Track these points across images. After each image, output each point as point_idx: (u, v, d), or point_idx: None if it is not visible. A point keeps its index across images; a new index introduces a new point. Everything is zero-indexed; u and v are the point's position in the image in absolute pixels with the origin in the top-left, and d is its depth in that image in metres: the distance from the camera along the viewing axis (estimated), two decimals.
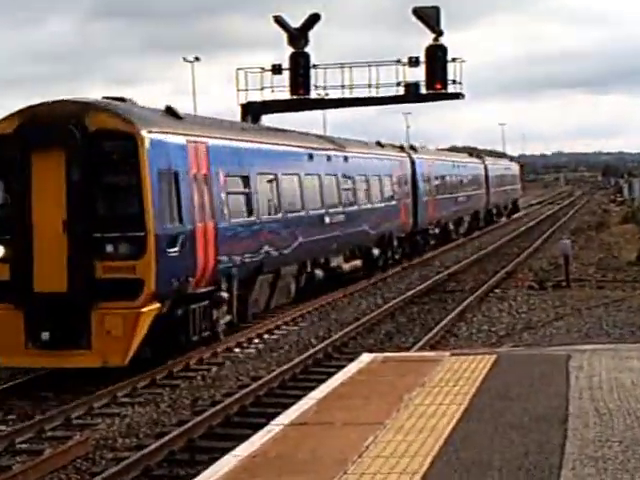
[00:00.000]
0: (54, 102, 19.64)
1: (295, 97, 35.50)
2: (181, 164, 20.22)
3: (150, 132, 19.17)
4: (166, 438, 14.42)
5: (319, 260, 29.76)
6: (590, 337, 22.40)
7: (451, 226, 51.94)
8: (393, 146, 43.16)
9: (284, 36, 35.25)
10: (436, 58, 34.79)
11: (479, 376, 13.66)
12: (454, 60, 35.27)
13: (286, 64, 35.33)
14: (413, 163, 43.25)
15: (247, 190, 24.06)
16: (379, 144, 40.71)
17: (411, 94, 36.00)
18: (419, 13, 34.87)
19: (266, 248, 24.72)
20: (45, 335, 18.54)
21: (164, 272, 18.94)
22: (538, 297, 29.64)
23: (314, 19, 35.21)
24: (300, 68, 35.25)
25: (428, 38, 34.94)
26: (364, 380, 13.90)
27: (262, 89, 35.47)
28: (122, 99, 20.62)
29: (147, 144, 18.87)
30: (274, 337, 24.29)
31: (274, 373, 19.05)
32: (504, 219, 74.14)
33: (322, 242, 29.34)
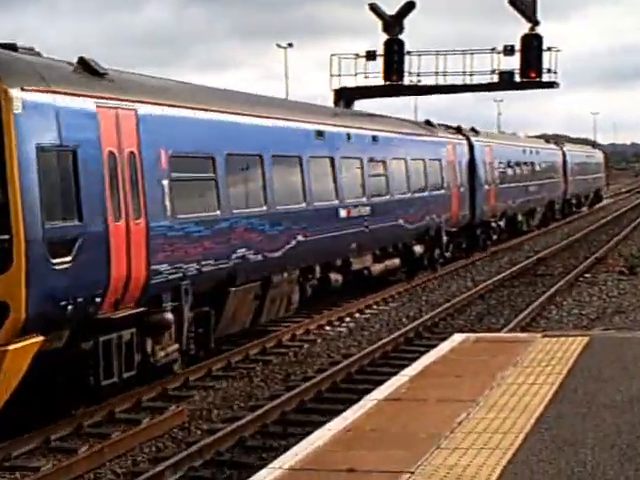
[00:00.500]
0: None
1: (388, 83, 35.43)
2: (86, 138, 13.90)
3: (26, 90, 12.94)
4: (260, 411, 14.40)
5: (334, 262, 23.50)
6: None
7: (520, 218, 46.13)
8: (447, 127, 36.59)
9: (379, 23, 35.28)
10: (531, 47, 34.25)
11: (571, 357, 13.38)
12: (549, 49, 34.76)
13: (380, 51, 35.36)
14: (472, 147, 36.91)
15: (210, 176, 17.49)
16: (429, 123, 34.52)
17: (505, 82, 35.57)
18: (515, 3, 34.41)
19: (242, 252, 18.21)
20: None
21: (46, 291, 12.85)
22: (628, 282, 29.08)
23: (409, 7, 34.98)
24: (394, 55, 35.13)
25: (523, 27, 34.52)
26: (456, 359, 13.72)
27: (356, 75, 35.56)
28: (12, 46, 13.92)
29: (18, 107, 12.75)
30: (365, 316, 24.17)
31: (365, 351, 18.91)
32: (585, 209, 69.16)
33: (336, 240, 22.83)
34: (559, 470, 8.39)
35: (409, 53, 35.33)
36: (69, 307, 13.29)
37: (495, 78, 35.66)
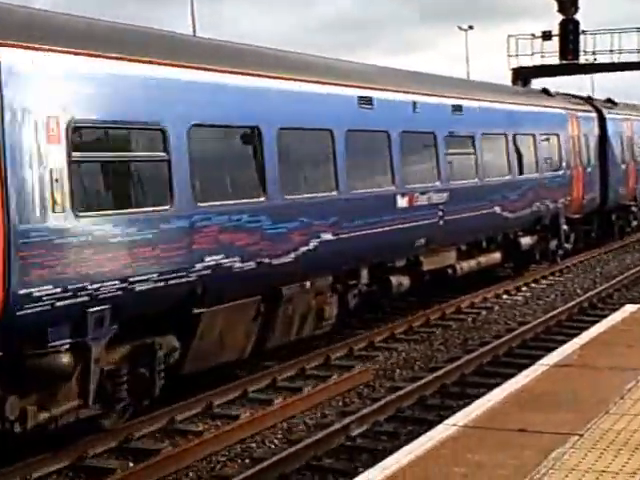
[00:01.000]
0: None
1: (564, 62, 35.27)
2: None
3: None
4: (439, 372, 14.85)
5: (393, 263, 18.21)
6: None
7: None
8: (574, 96, 30.37)
9: (554, 4, 35.17)
10: None
11: None
12: None
13: (556, 31, 35.26)
14: (603, 120, 30.65)
15: (144, 156, 11.51)
16: (546, 92, 28.16)
17: None
18: None
19: (210, 260, 12.39)
20: None
21: None
22: None
23: None
24: (570, 34, 34.95)
25: None
26: (627, 329, 13.73)
27: (532, 55, 35.66)
28: None
29: None
30: (541, 286, 24.28)
31: (540, 319, 19.11)
32: None
33: (395, 236, 17.25)
34: None
35: (584, 32, 35.13)
36: None
37: None
